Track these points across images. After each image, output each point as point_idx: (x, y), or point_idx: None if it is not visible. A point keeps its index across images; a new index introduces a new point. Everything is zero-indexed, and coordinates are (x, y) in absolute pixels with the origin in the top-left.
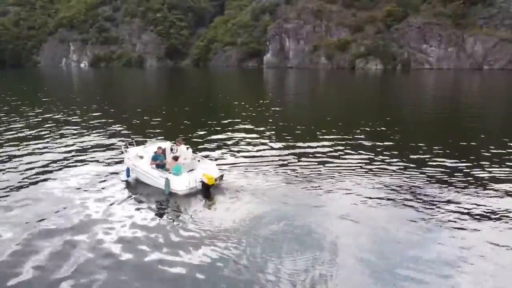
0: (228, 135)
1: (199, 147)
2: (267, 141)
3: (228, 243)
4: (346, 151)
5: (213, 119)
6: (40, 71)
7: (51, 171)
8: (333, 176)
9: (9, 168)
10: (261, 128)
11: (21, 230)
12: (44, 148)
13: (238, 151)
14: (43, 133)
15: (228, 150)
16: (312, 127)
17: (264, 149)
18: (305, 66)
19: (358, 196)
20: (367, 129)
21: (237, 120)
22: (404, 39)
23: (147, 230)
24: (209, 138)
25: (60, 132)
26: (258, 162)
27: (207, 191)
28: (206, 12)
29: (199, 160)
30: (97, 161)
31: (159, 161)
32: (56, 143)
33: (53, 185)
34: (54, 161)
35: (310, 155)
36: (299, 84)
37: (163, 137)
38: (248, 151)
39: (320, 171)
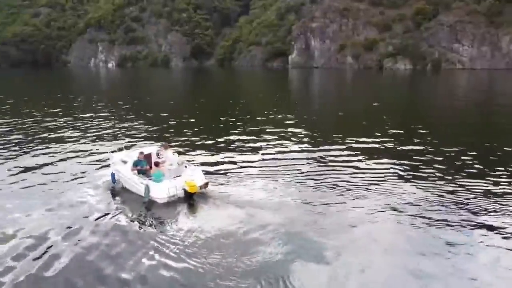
0: (233, 139)
1: (196, 151)
2: (277, 147)
3: (203, 254)
4: (366, 157)
5: (225, 122)
6: (70, 71)
7: (42, 170)
8: (349, 184)
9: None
10: (273, 133)
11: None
12: (42, 147)
13: (238, 157)
14: (44, 135)
15: (227, 155)
16: (331, 131)
17: (268, 156)
18: (331, 66)
19: (367, 208)
20: (391, 132)
21: (249, 123)
22: (435, 38)
23: (119, 238)
24: (210, 142)
25: (66, 132)
26: (256, 169)
27: (190, 199)
28: (231, 12)
29: (186, 166)
30: (89, 163)
31: (139, 166)
32: (62, 142)
33: (38, 182)
34: (46, 163)
35: (320, 162)
36: (323, 84)
37: (167, 141)
38: (248, 157)
39: (332, 179)
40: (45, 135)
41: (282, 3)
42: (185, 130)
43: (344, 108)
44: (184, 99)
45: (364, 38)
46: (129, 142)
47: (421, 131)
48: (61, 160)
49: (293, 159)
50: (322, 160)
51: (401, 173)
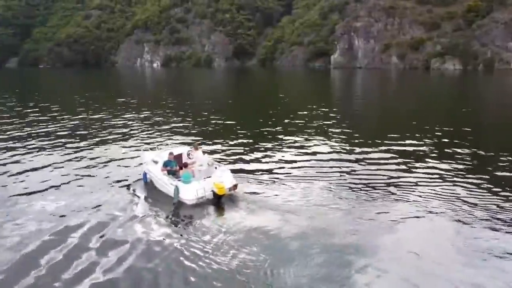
0: (268, 139)
1: (230, 151)
2: (314, 148)
3: (227, 258)
4: (408, 159)
5: (262, 123)
6: (117, 71)
7: (78, 165)
8: (390, 187)
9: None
10: (312, 133)
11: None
12: (76, 147)
13: (272, 158)
14: (79, 133)
15: (261, 156)
16: (373, 132)
17: (305, 157)
18: (375, 66)
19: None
20: (438, 134)
21: (287, 123)
22: (488, 37)
23: (146, 238)
24: (245, 142)
25: (107, 131)
26: (291, 171)
27: (218, 201)
28: (273, 12)
29: (216, 167)
30: (124, 161)
31: (169, 167)
32: (99, 140)
33: (72, 178)
34: (80, 159)
35: (360, 165)
36: (367, 84)
37: (200, 141)
38: (283, 158)
39: (372, 182)
40: (83, 131)
41: (326, 2)
42: (221, 130)
43: (387, 109)
44: (223, 99)
45: (410, 37)
46: (163, 141)
47: (471, 134)
48: (97, 157)
49: (331, 160)
50: (362, 162)
51: (446, 177)
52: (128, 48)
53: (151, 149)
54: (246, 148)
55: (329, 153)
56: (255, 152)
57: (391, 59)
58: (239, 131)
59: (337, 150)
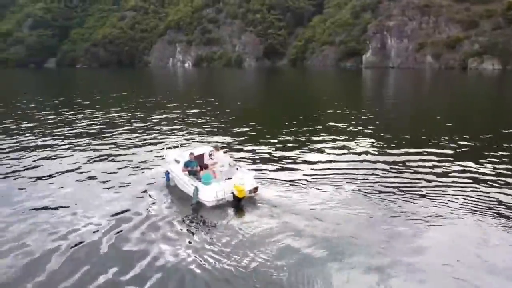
0: (295, 140)
1: (255, 152)
2: (343, 150)
3: (242, 264)
4: (443, 162)
5: (289, 123)
6: (150, 71)
7: (104, 161)
8: (423, 192)
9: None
10: (341, 134)
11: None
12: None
13: (298, 159)
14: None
15: (286, 157)
16: (406, 134)
17: (332, 160)
18: (408, 66)
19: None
20: (476, 137)
21: (316, 124)
22: None
23: (160, 236)
24: (271, 142)
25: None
26: (318, 174)
27: (238, 204)
28: (304, 11)
29: (237, 168)
30: (148, 158)
31: (190, 167)
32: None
33: (95, 174)
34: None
35: (391, 169)
36: (400, 85)
37: (226, 141)
38: (309, 160)
39: (403, 187)
40: (113, 129)
41: (358, 1)
42: (247, 130)
43: (421, 110)
44: (252, 99)
45: (446, 36)
46: (190, 139)
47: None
48: (121, 154)
49: (360, 162)
50: (393, 165)
51: (484, 181)
52: (161, 48)
53: (174, 147)
54: (272, 149)
55: (358, 154)
56: (280, 153)
57: (425, 59)
58: (266, 132)
59: (366, 152)
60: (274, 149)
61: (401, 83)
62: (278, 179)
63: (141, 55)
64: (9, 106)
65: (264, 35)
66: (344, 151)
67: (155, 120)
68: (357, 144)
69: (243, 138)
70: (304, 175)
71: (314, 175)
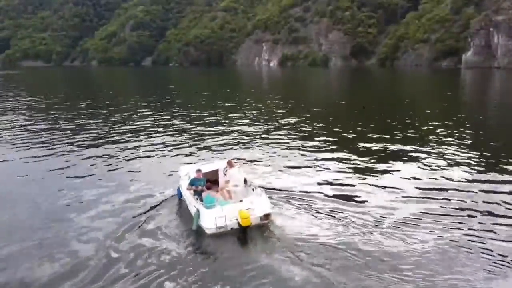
0: (348, 157)
1: (293, 168)
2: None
3: None
4: None
5: (355, 137)
6: (236, 70)
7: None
8: None
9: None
10: (423, 151)
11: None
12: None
13: (341, 179)
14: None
15: (329, 177)
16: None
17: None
18: None
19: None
20: None
21: (387, 139)
22: None
23: (146, 258)
24: (320, 157)
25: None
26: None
27: (244, 233)
28: (398, 8)
29: (254, 189)
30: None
31: (195, 186)
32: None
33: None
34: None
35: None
36: (508, 87)
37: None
38: (354, 182)
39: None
40: (160, 128)
41: None
42: (297, 139)
43: None
44: (329, 106)
45: None
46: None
47: None
48: (142, 156)
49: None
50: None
51: None
52: (248, 48)
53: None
54: (314, 166)
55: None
56: (319, 172)
57: None
58: (317, 143)
59: (442, 175)
60: (319, 165)
61: (509, 86)
62: (306, 203)
63: (229, 54)
64: (121, 103)
65: (353, 33)
66: (438, 171)
67: (223, 119)
68: (454, 161)
69: (283, 148)
70: (344, 197)
71: (359, 203)
